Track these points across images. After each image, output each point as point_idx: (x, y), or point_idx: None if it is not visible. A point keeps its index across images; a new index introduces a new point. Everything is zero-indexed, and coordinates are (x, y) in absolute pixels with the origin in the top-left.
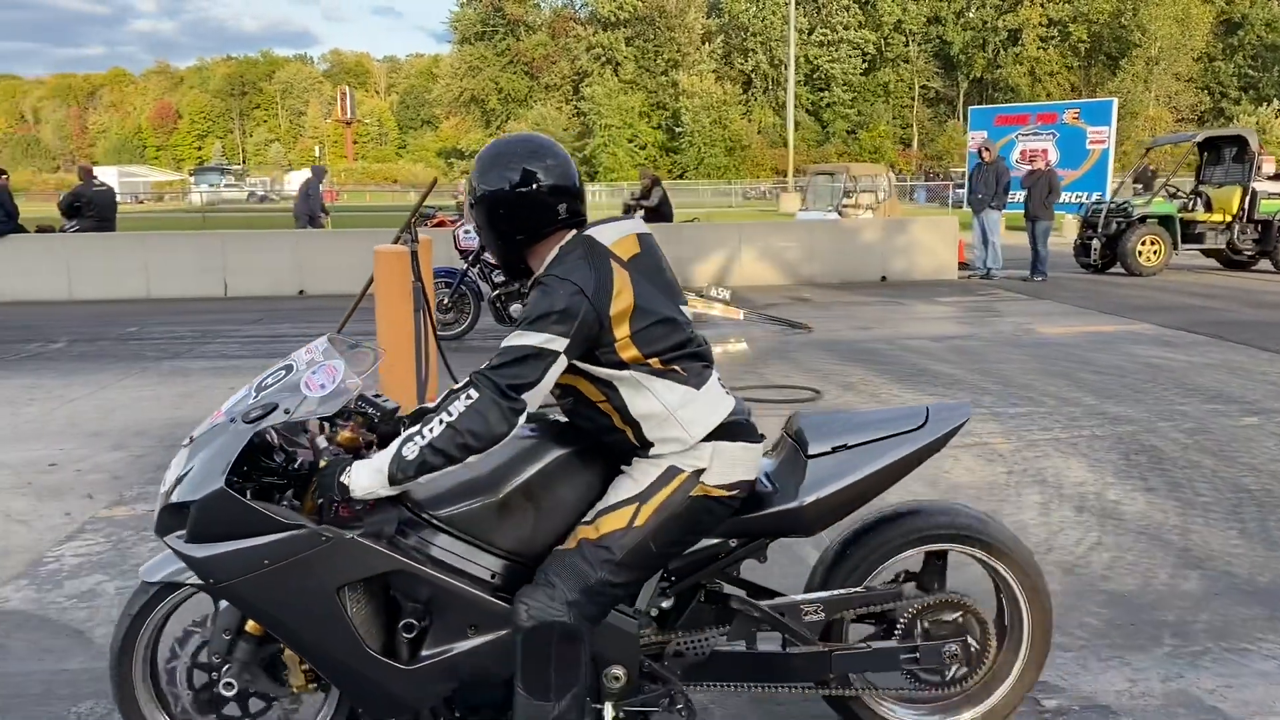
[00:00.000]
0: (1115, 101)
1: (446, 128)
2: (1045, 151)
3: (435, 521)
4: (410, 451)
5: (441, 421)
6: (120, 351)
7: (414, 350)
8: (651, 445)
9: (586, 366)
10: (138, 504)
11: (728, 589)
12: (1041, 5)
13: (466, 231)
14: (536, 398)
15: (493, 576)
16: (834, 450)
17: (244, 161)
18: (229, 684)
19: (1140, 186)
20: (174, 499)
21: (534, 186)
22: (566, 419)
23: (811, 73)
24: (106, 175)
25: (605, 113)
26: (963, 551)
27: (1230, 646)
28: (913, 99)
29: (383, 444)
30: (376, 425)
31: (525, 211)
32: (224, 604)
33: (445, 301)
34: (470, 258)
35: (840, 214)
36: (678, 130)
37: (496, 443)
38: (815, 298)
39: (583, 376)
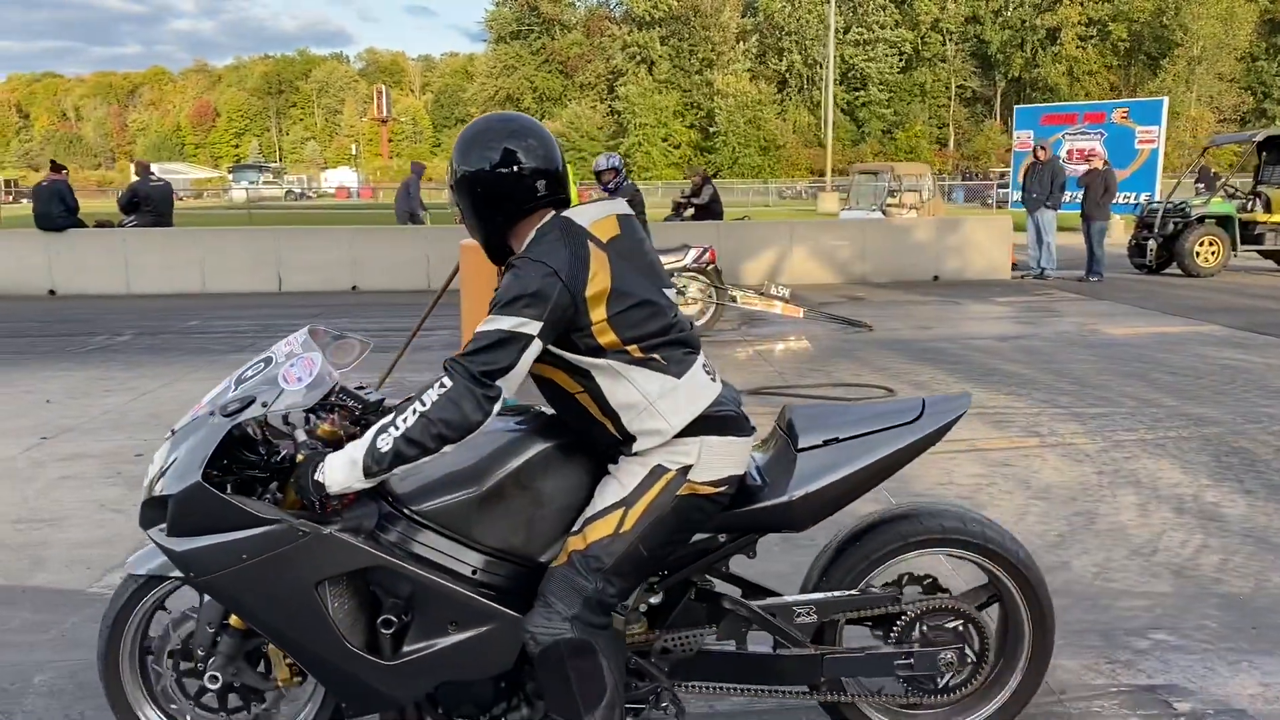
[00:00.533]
0: (1166, 101)
1: None
2: (1096, 150)
3: (416, 516)
4: (384, 443)
5: (415, 411)
6: (186, 345)
7: None
8: (634, 439)
9: (562, 353)
10: None
11: (720, 587)
12: (1081, 4)
13: None
14: (512, 383)
15: (474, 573)
16: (825, 444)
17: (280, 159)
18: (214, 677)
19: (1202, 186)
20: (155, 492)
21: (514, 168)
22: (553, 411)
23: (847, 72)
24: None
25: (639, 112)
26: (962, 556)
27: None
28: (949, 98)
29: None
30: (358, 417)
31: (504, 192)
32: (208, 597)
33: None
34: None
35: (884, 213)
36: (712, 130)
37: (471, 431)
38: (869, 297)
39: (559, 367)
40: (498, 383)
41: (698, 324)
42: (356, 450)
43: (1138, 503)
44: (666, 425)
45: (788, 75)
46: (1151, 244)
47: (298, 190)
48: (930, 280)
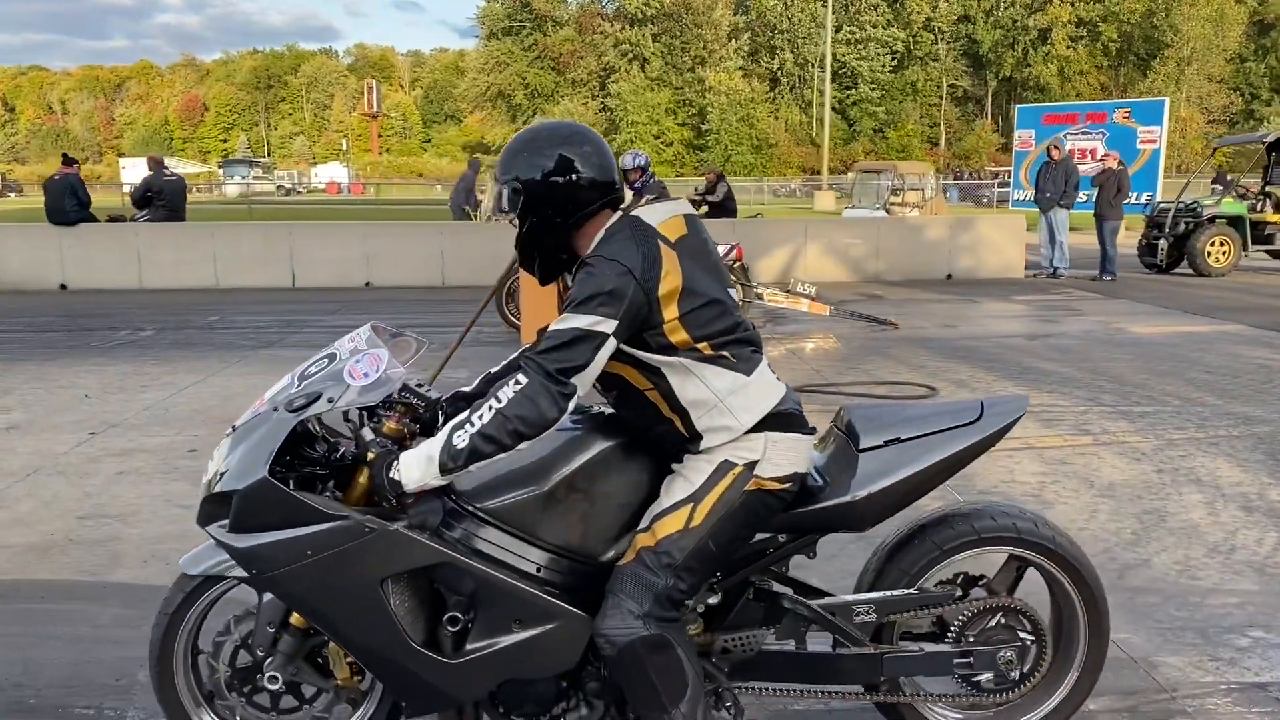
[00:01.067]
0: (1167, 101)
1: (471, 122)
2: (1098, 150)
3: (480, 513)
4: (460, 440)
5: (491, 408)
6: (212, 340)
7: None
8: (701, 436)
9: (634, 351)
10: None
11: (776, 587)
12: (1071, 4)
13: None
14: (586, 381)
15: (538, 570)
16: (886, 444)
17: (269, 154)
18: (273, 677)
19: (1220, 187)
20: (217, 489)
21: (573, 176)
22: (613, 410)
23: (839, 70)
24: (137, 167)
25: (632, 109)
26: (1019, 555)
27: None
28: (940, 98)
29: (425, 434)
30: (420, 415)
31: (566, 198)
32: (268, 597)
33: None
34: None
35: (888, 211)
36: (704, 128)
37: (548, 428)
38: (886, 294)
39: (630, 364)
40: (573, 380)
41: None
42: (432, 447)
43: (1204, 501)
44: (736, 422)
45: (779, 73)
46: (1163, 243)
47: (288, 185)
48: (944, 279)
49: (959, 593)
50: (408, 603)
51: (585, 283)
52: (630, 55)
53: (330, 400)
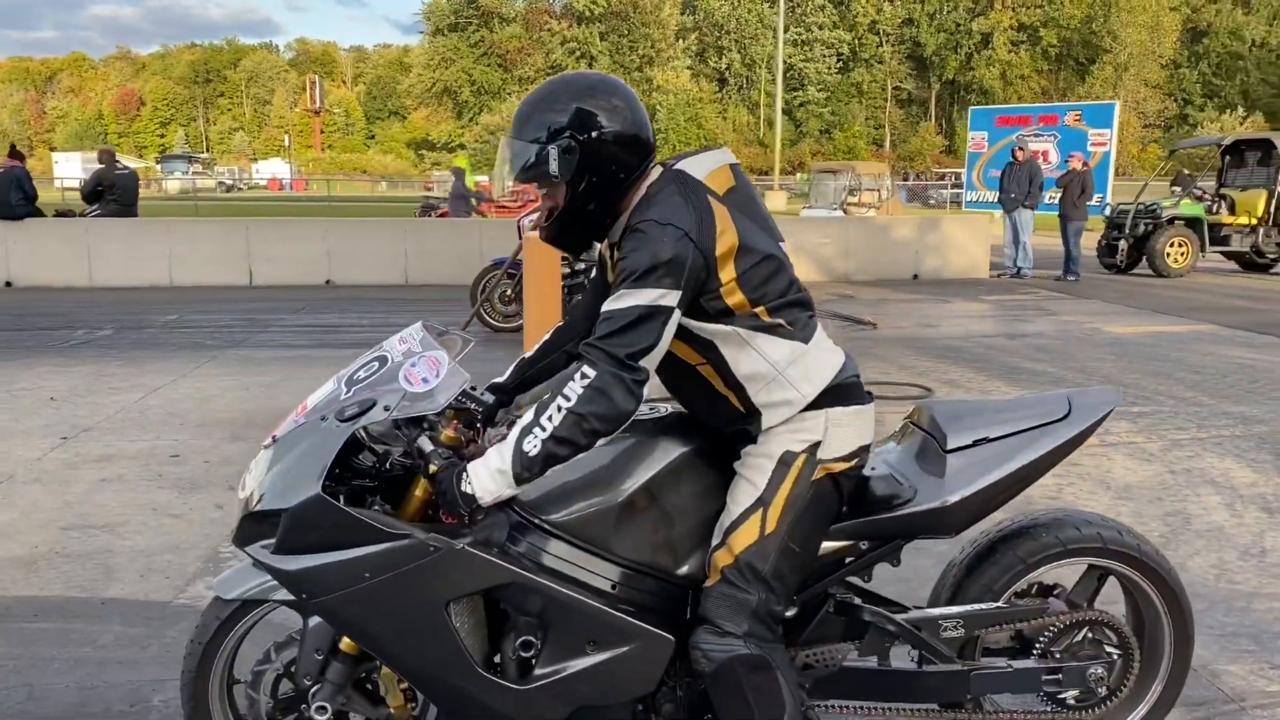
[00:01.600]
0: (1117, 104)
1: (416, 118)
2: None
3: (547, 526)
4: (531, 446)
5: (560, 408)
6: (175, 340)
7: None
8: (760, 413)
9: (689, 321)
10: None
11: (857, 600)
12: (1013, 9)
13: (531, 220)
14: (654, 362)
15: (613, 587)
16: (974, 444)
17: (208, 150)
18: (321, 707)
19: (1178, 189)
20: (259, 506)
21: (626, 129)
22: (684, 410)
23: (786, 71)
24: (70, 161)
25: None
26: (1101, 564)
27: None
28: (885, 100)
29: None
30: (477, 421)
31: (626, 152)
32: (314, 621)
33: (509, 293)
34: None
35: (845, 211)
36: (652, 127)
37: (625, 421)
38: (858, 294)
39: (681, 338)
40: (642, 363)
41: None
42: (503, 456)
43: (1224, 503)
44: (797, 394)
45: (727, 74)
46: (1122, 244)
47: (229, 182)
48: (910, 279)
49: (1047, 605)
50: (470, 624)
51: (639, 253)
52: (578, 53)
53: (387, 408)
